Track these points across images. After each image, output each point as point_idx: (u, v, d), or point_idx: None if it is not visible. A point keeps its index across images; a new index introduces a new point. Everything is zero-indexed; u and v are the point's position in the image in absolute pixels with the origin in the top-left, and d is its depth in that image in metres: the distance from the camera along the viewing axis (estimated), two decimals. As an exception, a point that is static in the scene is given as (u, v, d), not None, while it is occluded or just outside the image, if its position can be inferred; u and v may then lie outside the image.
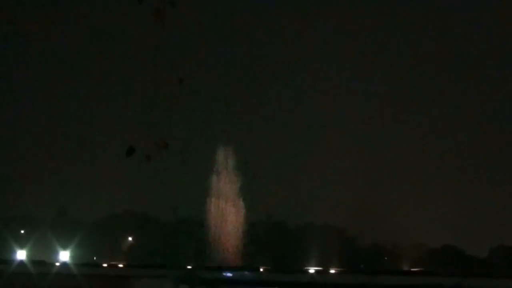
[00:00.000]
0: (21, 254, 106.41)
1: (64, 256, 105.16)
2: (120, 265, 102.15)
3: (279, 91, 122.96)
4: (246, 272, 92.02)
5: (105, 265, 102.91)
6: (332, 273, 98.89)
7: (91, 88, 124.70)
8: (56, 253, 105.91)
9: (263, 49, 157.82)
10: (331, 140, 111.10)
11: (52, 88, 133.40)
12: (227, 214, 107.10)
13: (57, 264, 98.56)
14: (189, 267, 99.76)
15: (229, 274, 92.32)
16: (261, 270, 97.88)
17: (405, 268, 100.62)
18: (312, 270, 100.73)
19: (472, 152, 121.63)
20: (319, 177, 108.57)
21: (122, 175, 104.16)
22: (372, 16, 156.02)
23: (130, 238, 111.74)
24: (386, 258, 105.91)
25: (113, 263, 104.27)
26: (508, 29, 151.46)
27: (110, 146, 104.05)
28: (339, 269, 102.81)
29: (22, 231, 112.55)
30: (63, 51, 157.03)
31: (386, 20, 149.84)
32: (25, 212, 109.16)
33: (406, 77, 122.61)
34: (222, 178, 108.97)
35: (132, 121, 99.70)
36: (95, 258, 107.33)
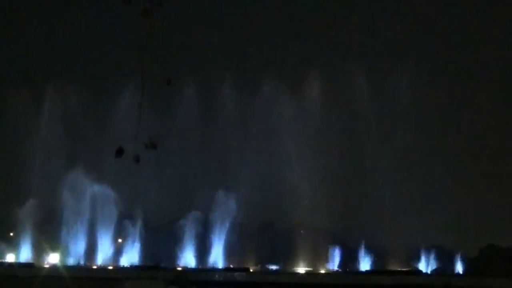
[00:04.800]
0: (10, 257, 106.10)
1: (54, 258, 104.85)
2: (110, 267, 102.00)
3: (269, 92, 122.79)
4: (236, 273, 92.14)
5: (94, 267, 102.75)
6: (321, 274, 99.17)
7: (78, 89, 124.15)
8: (45, 255, 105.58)
9: (254, 49, 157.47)
10: (315, 140, 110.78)
11: (37, 87, 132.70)
12: (216, 215, 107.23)
13: (47, 266, 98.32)
14: (179, 268, 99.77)
15: (219, 275, 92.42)
16: (251, 271, 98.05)
17: (395, 268, 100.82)
18: (302, 270, 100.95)
19: (459, 152, 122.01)
20: (305, 178, 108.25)
21: (111, 176, 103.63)
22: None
23: (120, 240, 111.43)
24: (375, 258, 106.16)
25: (102, 265, 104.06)
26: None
27: (99, 147, 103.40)
28: (328, 269, 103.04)
29: (11, 234, 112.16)
30: (49, 49, 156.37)
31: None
32: (14, 215, 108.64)
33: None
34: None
35: (121, 122, 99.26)
36: (84, 260, 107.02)
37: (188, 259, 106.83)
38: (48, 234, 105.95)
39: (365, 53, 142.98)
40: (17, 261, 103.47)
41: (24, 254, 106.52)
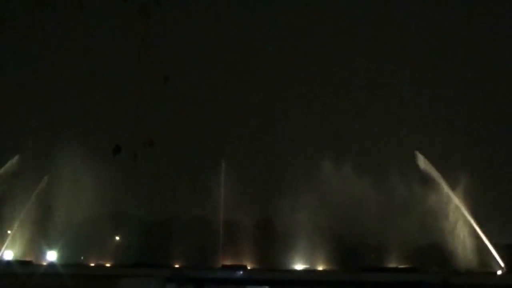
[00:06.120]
0: (8, 255, 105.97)
1: (51, 256, 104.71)
2: (107, 265, 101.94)
3: (265, 92, 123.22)
4: (234, 271, 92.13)
5: (92, 264, 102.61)
6: (319, 271, 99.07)
7: (75, 87, 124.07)
8: (43, 253, 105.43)
9: (252, 48, 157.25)
10: (316, 136, 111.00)
11: (34, 87, 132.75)
12: (214, 213, 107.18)
13: (44, 264, 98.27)
14: (176, 266, 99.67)
15: (217, 273, 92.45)
16: (249, 268, 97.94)
17: (392, 265, 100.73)
18: (299, 268, 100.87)
19: (458, 150, 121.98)
20: (303, 176, 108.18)
21: (108, 174, 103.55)
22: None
23: (117, 238, 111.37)
24: (372, 255, 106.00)
25: (100, 262, 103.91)
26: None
27: (96, 145, 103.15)
28: (326, 266, 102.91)
29: (9, 232, 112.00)
30: (45, 49, 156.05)
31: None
32: (12, 212, 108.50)
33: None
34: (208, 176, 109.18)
35: (118, 120, 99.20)
36: (82, 257, 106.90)
37: (185, 256, 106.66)
38: (46, 231, 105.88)
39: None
40: (15, 258, 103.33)
41: (22, 251, 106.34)
